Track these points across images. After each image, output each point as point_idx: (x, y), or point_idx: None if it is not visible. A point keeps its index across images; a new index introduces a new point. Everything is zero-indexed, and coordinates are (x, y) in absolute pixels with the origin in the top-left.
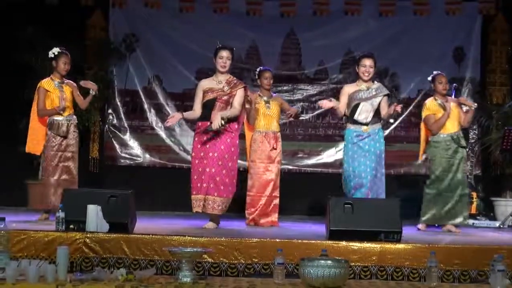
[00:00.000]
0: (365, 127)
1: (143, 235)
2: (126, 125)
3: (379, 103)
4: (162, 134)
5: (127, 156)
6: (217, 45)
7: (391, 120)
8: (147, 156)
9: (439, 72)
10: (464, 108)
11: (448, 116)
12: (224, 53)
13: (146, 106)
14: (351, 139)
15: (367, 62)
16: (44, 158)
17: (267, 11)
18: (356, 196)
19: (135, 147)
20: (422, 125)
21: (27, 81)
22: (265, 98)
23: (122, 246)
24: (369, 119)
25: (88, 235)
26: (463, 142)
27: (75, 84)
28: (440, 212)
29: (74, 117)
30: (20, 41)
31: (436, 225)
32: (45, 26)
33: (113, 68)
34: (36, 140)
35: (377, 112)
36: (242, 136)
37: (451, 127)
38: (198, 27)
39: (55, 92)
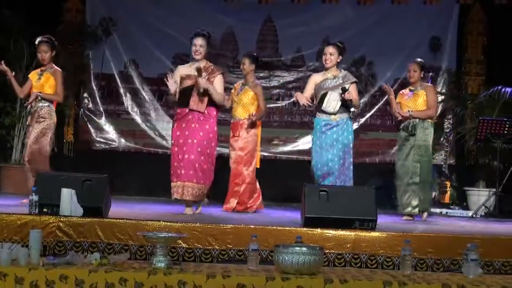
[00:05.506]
0: (333, 116)
1: (118, 220)
2: (101, 109)
3: None
4: (138, 119)
5: (102, 140)
6: (195, 31)
7: (352, 110)
8: (122, 140)
9: (414, 60)
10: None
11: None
12: (197, 41)
13: (122, 90)
14: (320, 128)
15: (328, 49)
16: None
17: None
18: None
19: (110, 132)
20: None
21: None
22: (240, 85)
23: (96, 231)
24: (337, 108)
25: (62, 219)
26: (412, 130)
27: (61, 72)
28: (399, 200)
29: (44, 104)
30: None
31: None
32: (21, 8)
33: (89, 51)
34: None
35: (345, 101)
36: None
37: None
38: (175, 12)
39: (34, 81)
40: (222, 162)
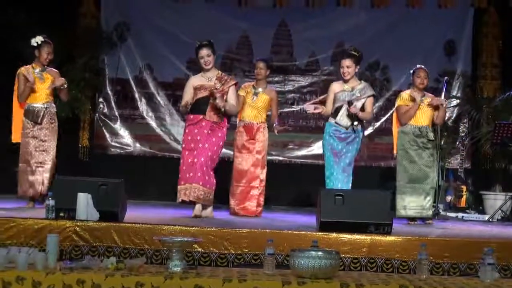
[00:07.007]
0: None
1: (133, 224)
2: (116, 114)
3: (363, 105)
4: (153, 123)
5: (117, 145)
6: (196, 44)
7: (355, 123)
8: (138, 145)
9: (420, 66)
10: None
11: (418, 108)
12: (203, 52)
13: (137, 95)
14: (330, 131)
15: (345, 62)
16: (21, 145)
17: (259, 2)
18: (330, 186)
19: (125, 136)
20: (394, 116)
21: (18, 69)
22: (253, 89)
23: (112, 235)
24: (348, 124)
25: (78, 223)
26: (431, 136)
27: (58, 72)
28: (407, 204)
29: (53, 105)
30: (11, 28)
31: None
32: (37, 13)
33: (104, 57)
34: (18, 129)
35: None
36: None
37: (422, 119)
38: (189, 17)
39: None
40: (225, 165)
